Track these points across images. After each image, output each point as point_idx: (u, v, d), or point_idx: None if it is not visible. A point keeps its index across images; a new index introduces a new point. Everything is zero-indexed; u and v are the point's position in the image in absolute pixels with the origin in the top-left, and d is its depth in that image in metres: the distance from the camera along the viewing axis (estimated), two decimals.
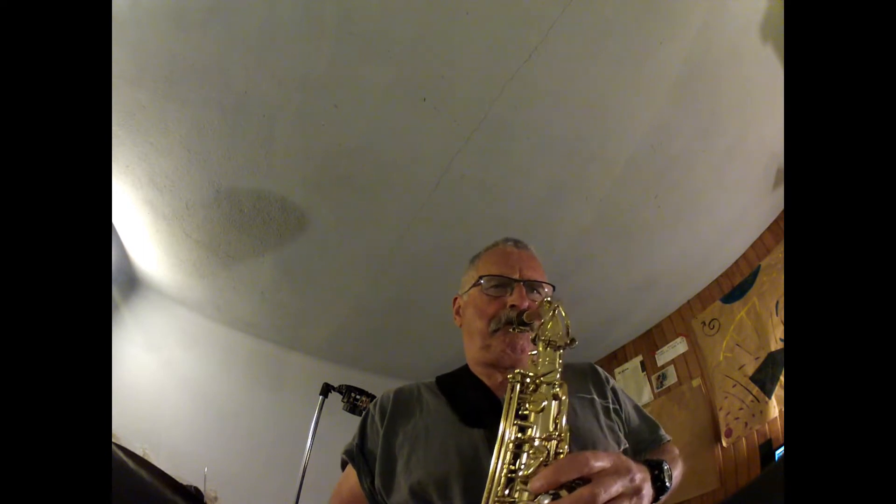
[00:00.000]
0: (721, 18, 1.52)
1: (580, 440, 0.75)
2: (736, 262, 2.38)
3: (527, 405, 0.68)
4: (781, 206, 2.18)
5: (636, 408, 0.94)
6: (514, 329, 0.84)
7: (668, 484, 0.66)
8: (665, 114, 1.75)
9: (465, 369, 0.93)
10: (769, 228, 2.25)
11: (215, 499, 1.75)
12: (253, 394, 2.73)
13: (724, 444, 2.10)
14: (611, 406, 0.88)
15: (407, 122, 1.73)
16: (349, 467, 0.87)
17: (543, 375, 0.70)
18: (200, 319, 2.76)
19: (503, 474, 0.62)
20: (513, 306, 0.85)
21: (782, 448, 1.85)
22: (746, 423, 2.03)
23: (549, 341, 0.73)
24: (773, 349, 2.02)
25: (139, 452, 1.17)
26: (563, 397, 0.67)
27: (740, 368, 2.14)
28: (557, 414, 0.66)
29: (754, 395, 2.03)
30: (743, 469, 2.01)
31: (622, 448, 0.81)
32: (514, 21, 1.47)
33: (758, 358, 2.08)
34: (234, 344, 2.81)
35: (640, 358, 2.77)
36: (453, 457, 0.75)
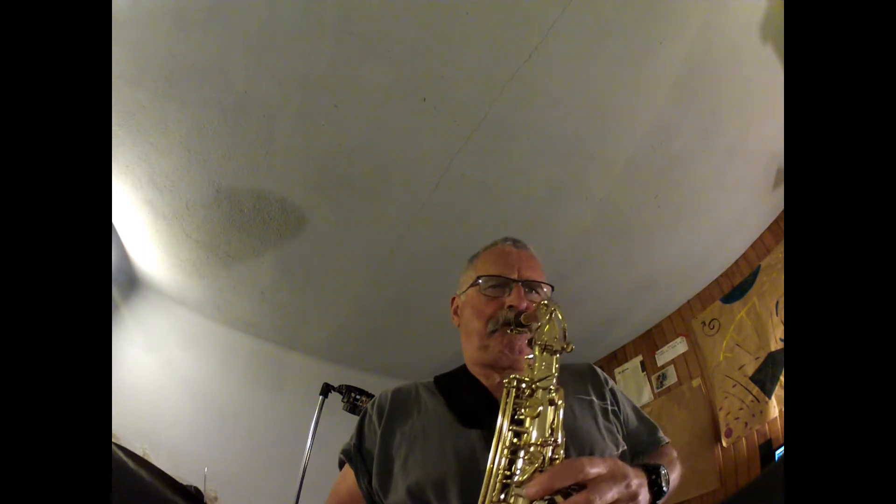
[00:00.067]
0: (721, 18, 1.52)
1: (578, 442, 0.75)
2: (736, 262, 2.38)
3: (522, 410, 0.67)
4: (781, 206, 2.18)
5: (635, 409, 0.93)
6: (511, 330, 0.84)
7: (664, 489, 0.66)
8: (665, 114, 1.75)
9: (463, 369, 0.93)
10: (769, 228, 2.25)
11: (215, 499, 1.75)
12: (253, 394, 2.73)
13: (724, 444, 2.10)
14: (609, 408, 0.87)
15: (407, 122, 1.73)
16: (347, 467, 0.87)
17: (540, 380, 0.69)
18: (200, 319, 2.76)
19: (498, 480, 0.62)
20: (511, 307, 0.84)
21: (782, 448, 1.85)
22: (746, 423, 2.03)
23: (546, 345, 0.73)
24: (773, 349, 2.02)
25: (139, 452, 1.17)
26: (560, 402, 0.67)
27: (740, 368, 2.14)
28: (553, 419, 0.65)
29: (754, 395, 2.03)
30: (743, 469, 2.01)
31: (620, 450, 0.80)
32: (514, 21, 1.47)
33: (758, 358, 2.08)
34: (234, 344, 2.81)
35: (640, 358, 2.77)
36: (450, 458, 0.74)
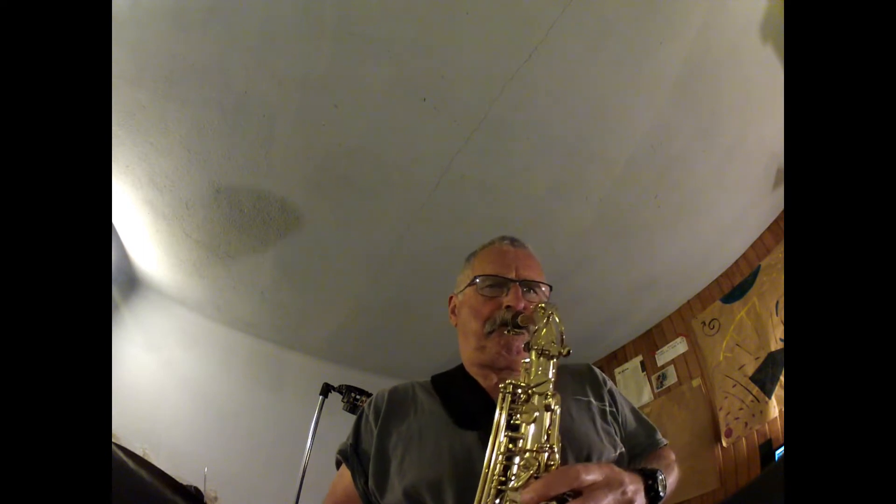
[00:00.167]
0: (721, 18, 1.52)
1: (576, 444, 0.75)
2: (736, 262, 2.38)
3: (518, 415, 0.67)
4: (781, 206, 2.18)
5: (633, 410, 0.92)
6: (509, 331, 0.83)
7: (661, 494, 0.65)
8: (665, 114, 1.75)
9: (460, 369, 0.92)
10: (769, 228, 2.25)
11: (215, 499, 1.75)
12: (253, 394, 2.73)
13: (724, 444, 2.10)
14: (607, 409, 0.86)
15: (407, 122, 1.73)
16: (344, 467, 0.86)
17: (536, 386, 0.68)
18: (200, 319, 2.76)
19: (493, 485, 0.62)
20: (508, 307, 0.84)
21: (782, 448, 1.84)
22: (746, 423, 2.03)
23: (543, 350, 0.72)
24: (773, 349, 2.02)
25: (139, 452, 1.17)
26: (556, 407, 0.66)
27: (740, 368, 2.14)
28: (549, 425, 0.65)
29: (754, 395, 2.03)
30: (743, 469, 2.01)
31: (618, 452, 0.80)
32: (514, 21, 1.47)
33: (758, 358, 2.08)
34: (234, 344, 2.82)
35: (640, 358, 2.77)
36: (446, 459, 0.74)
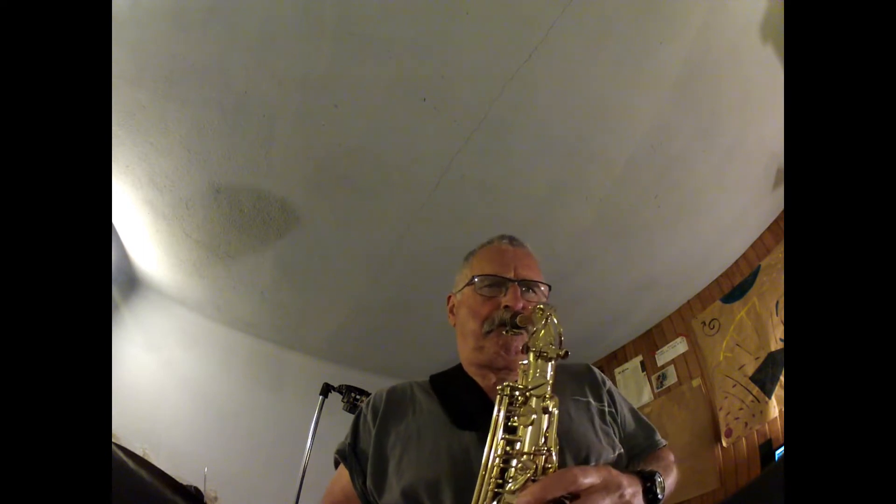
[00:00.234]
0: (721, 18, 1.52)
1: (574, 445, 0.74)
2: (736, 262, 2.38)
3: (516, 418, 0.67)
4: (781, 206, 2.18)
5: (632, 411, 0.92)
6: (507, 331, 0.82)
7: (659, 496, 0.65)
8: (665, 114, 1.75)
9: (458, 369, 0.92)
10: (769, 228, 2.25)
11: (215, 499, 1.75)
12: (253, 394, 2.73)
13: (724, 444, 2.10)
14: (606, 409, 0.86)
15: (407, 122, 1.73)
16: (342, 466, 0.86)
17: (534, 388, 0.68)
18: (200, 319, 2.76)
19: (490, 488, 0.61)
20: (507, 307, 0.83)
21: (782, 448, 1.84)
22: (746, 423, 2.03)
23: (541, 352, 0.71)
24: (773, 349, 2.02)
25: (139, 452, 1.17)
26: (553, 410, 0.66)
27: (740, 368, 2.14)
28: (547, 427, 0.64)
29: (754, 395, 2.03)
30: (743, 469, 2.01)
31: (616, 453, 0.79)
32: (514, 21, 1.47)
33: (758, 358, 2.08)
34: (234, 344, 2.81)
35: (640, 358, 2.77)
36: (444, 460, 0.74)
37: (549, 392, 0.68)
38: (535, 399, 0.67)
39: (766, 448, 1.93)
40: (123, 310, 2.53)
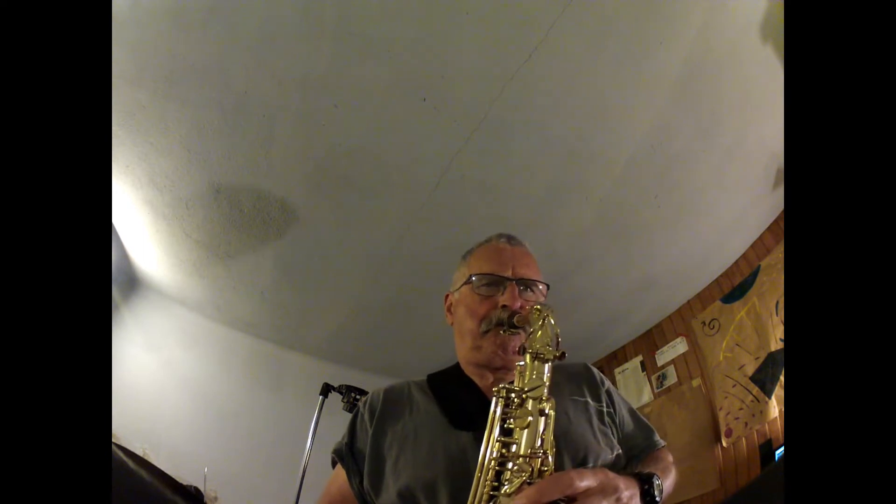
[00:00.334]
0: (721, 18, 1.52)
1: (572, 445, 0.74)
2: (736, 262, 2.38)
3: (512, 420, 0.66)
4: (781, 206, 2.18)
5: (631, 411, 0.91)
6: (505, 331, 0.81)
7: (657, 498, 0.65)
8: (665, 114, 1.75)
9: (456, 368, 0.91)
10: (769, 228, 2.25)
11: (215, 499, 1.75)
12: (253, 394, 2.73)
13: (724, 444, 2.10)
14: (605, 409, 0.85)
15: (407, 122, 1.73)
16: (339, 466, 0.85)
17: (530, 390, 0.67)
18: (200, 319, 2.76)
19: (486, 491, 0.61)
20: (504, 306, 0.82)
21: (782, 448, 1.84)
22: (746, 423, 2.03)
23: (537, 354, 0.71)
24: (773, 349, 2.02)
25: (139, 452, 1.17)
26: (550, 412, 0.65)
27: (740, 368, 2.14)
28: (544, 429, 0.64)
29: (754, 395, 2.03)
30: (743, 469, 2.01)
31: (615, 453, 0.79)
32: (514, 21, 1.47)
33: (758, 358, 2.08)
34: (234, 344, 2.82)
35: (640, 358, 2.77)
36: (441, 460, 0.73)
37: (545, 394, 0.67)
38: (531, 401, 0.66)
39: (766, 448, 1.93)
40: (123, 310, 2.53)
